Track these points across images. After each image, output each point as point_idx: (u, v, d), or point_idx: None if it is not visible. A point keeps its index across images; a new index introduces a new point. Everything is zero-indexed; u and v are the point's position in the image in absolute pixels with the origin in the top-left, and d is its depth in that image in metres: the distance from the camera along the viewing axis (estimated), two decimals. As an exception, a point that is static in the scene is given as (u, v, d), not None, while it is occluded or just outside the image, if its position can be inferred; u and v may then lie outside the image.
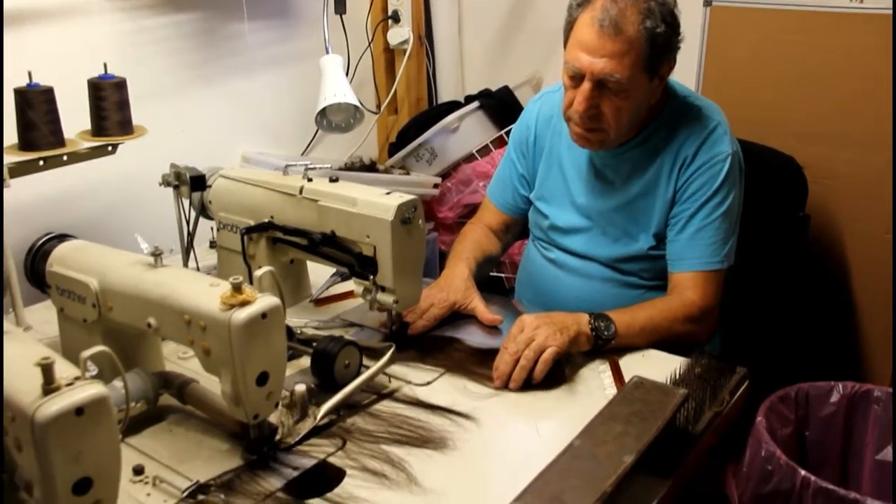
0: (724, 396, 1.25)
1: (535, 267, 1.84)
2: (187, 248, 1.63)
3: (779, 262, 1.88)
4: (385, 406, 1.30)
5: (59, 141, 1.57)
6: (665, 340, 1.49)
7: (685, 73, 2.18)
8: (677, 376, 1.29)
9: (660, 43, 1.47)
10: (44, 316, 1.59)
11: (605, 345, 1.42)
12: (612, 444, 1.03)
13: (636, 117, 1.56)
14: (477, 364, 1.42)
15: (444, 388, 1.36)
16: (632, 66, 1.46)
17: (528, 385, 1.34)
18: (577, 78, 1.50)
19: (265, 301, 1.09)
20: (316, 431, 1.23)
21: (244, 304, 1.07)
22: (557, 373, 1.36)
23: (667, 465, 1.11)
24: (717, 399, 1.24)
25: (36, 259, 1.40)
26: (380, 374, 1.35)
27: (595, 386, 1.36)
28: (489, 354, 1.43)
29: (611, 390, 1.32)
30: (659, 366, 1.38)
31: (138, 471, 1.15)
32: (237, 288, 1.08)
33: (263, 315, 1.08)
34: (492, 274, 2.39)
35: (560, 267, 1.76)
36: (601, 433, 1.05)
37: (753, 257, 1.79)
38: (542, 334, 1.36)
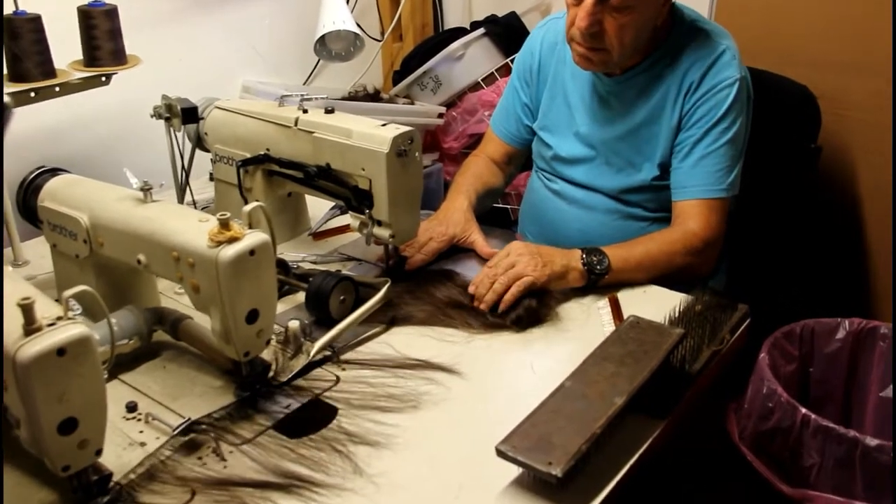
0: (723, 335, 1.22)
1: (538, 198, 1.80)
2: (184, 182, 1.61)
3: (787, 195, 1.83)
4: (366, 372, 1.24)
5: (49, 71, 1.53)
6: (666, 274, 1.47)
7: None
8: (677, 313, 1.27)
9: None
10: (41, 251, 1.58)
11: (598, 279, 1.41)
12: (604, 384, 1.01)
13: (640, 38, 1.50)
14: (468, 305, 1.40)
15: (429, 338, 1.33)
16: None
17: (531, 325, 1.34)
18: None
19: (253, 237, 1.07)
20: (310, 368, 1.23)
21: (232, 240, 1.05)
22: (537, 311, 1.34)
23: (662, 405, 1.09)
24: (716, 337, 1.22)
25: (28, 193, 1.38)
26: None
27: (594, 323, 1.34)
28: None
29: (609, 327, 1.31)
30: (659, 302, 1.36)
31: (131, 408, 1.15)
32: (225, 224, 1.05)
33: (251, 252, 1.06)
34: (496, 205, 2.36)
35: (563, 198, 1.73)
36: (593, 374, 1.04)
37: (761, 189, 1.75)
38: (523, 262, 1.36)
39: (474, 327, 1.33)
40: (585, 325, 1.34)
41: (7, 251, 1.63)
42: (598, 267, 1.40)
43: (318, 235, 1.69)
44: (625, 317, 1.30)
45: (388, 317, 1.36)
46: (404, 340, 1.31)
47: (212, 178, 1.69)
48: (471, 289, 1.38)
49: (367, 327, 1.33)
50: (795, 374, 1.62)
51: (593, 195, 1.67)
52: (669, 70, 1.54)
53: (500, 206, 2.42)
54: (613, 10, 1.42)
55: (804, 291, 1.96)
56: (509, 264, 1.37)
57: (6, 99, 0.54)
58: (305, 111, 1.48)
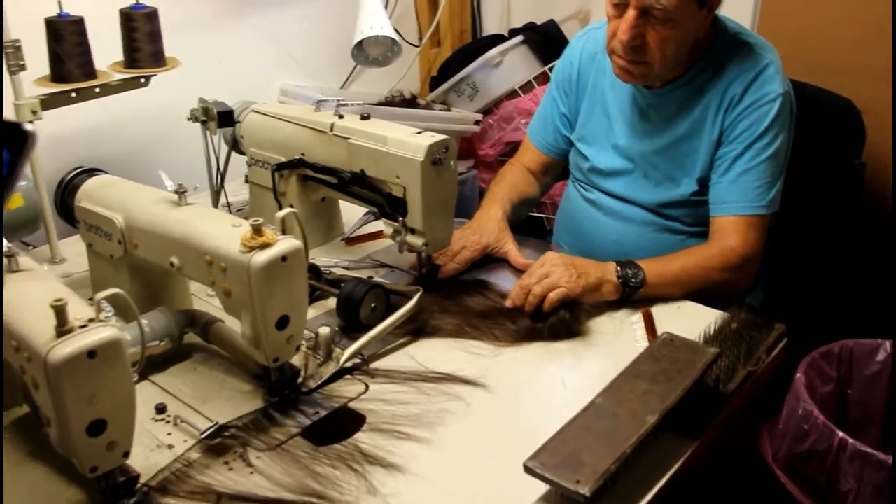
0: (759, 355, 1.20)
1: (574, 208, 1.79)
2: (218, 185, 1.61)
3: (830, 212, 1.79)
4: (391, 386, 1.22)
5: (90, 73, 1.55)
6: (702, 290, 1.44)
7: (740, 7, 2.06)
8: (712, 331, 1.25)
9: None
10: (78, 248, 1.59)
11: (632, 293, 1.39)
12: (636, 403, 1.00)
13: (682, 50, 1.48)
14: (504, 316, 1.38)
15: (456, 350, 1.31)
16: None
17: (565, 336, 1.32)
18: (621, 6, 1.43)
19: (286, 244, 1.06)
20: (340, 375, 1.22)
21: (264, 246, 1.05)
22: (570, 323, 1.33)
23: (695, 424, 1.07)
24: (752, 357, 1.19)
25: (66, 193, 1.39)
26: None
27: (626, 338, 1.31)
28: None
29: (642, 343, 1.28)
30: (695, 319, 1.33)
31: (160, 409, 1.15)
32: (257, 230, 1.05)
33: (283, 258, 1.06)
34: (532, 214, 2.34)
35: (599, 208, 1.71)
36: (625, 391, 1.02)
37: (803, 205, 1.71)
38: (557, 273, 1.35)
39: (502, 340, 1.32)
40: (617, 339, 1.32)
41: (44, 248, 1.65)
42: (633, 280, 1.39)
43: (352, 241, 1.69)
44: (659, 333, 1.28)
45: (415, 327, 1.35)
46: (431, 353, 1.30)
47: (247, 181, 1.70)
48: (508, 303, 1.38)
49: (393, 337, 1.32)
50: (833, 396, 1.58)
51: (630, 207, 1.65)
52: (711, 83, 1.52)
53: (536, 214, 2.40)
54: (656, 22, 1.40)
55: (844, 310, 1.92)
56: (543, 274, 1.36)
57: (29, 127, 0.58)
58: (341, 117, 1.48)
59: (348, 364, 1.24)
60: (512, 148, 2.36)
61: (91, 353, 0.85)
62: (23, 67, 1.48)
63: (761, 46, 1.53)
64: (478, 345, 1.31)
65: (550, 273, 1.35)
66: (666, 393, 1.02)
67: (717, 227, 1.53)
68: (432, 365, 1.26)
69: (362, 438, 1.09)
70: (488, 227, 1.58)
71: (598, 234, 1.71)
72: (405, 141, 1.35)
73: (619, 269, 1.39)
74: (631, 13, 1.40)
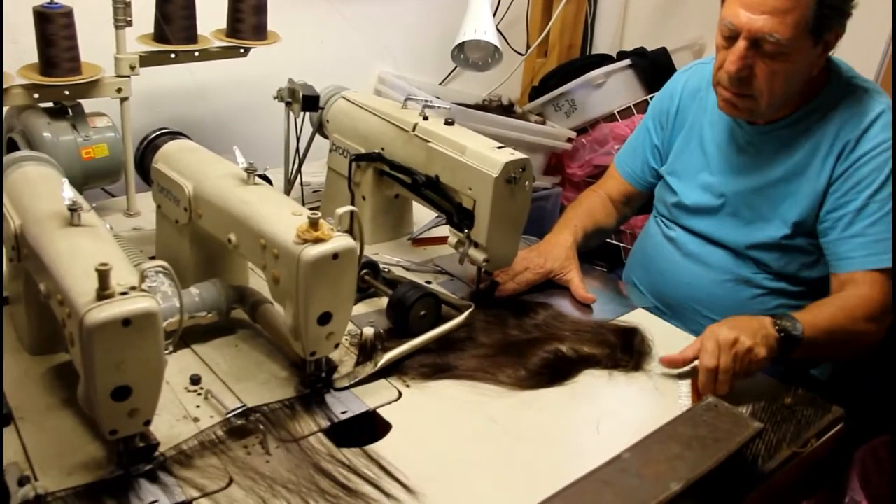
0: (808, 437, 1.13)
1: (651, 244, 1.73)
2: (293, 170, 1.62)
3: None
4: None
5: (192, 37, 1.58)
6: (845, 344, 1.36)
7: (866, 54, 1.95)
8: (763, 402, 1.19)
9: (830, 3, 1.31)
10: (153, 204, 1.63)
11: (792, 347, 1.26)
12: (663, 465, 0.95)
13: (792, 87, 1.41)
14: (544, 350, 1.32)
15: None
16: (795, 25, 1.31)
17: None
18: (731, 38, 1.37)
19: (340, 241, 1.06)
20: (375, 377, 1.21)
21: (318, 241, 1.04)
22: None
23: (725, 499, 1.02)
24: (800, 438, 1.13)
25: (146, 152, 1.43)
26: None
27: (673, 393, 1.26)
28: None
29: (686, 401, 1.22)
30: (747, 385, 1.25)
31: (195, 381, 1.16)
32: (314, 223, 1.05)
33: (335, 255, 1.05)
34: (609, 241, 2.29)
35: (678, 248, 1.64)
36: (655, 451, 0.98)
37: None
38: (744, 340, 1.21)
39: (521, 383, 1.24)
40: (663, 394, 1.25)
41: (122, 199, 1.70)
42: (793, 331, 1.26)
43: (418, 242, 1.68)
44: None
45: (435, 361, 1.28)
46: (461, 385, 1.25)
47: (331, 164, 1.70)
48: (691, 401, 1.22)
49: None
50: (889, 490, 1.49)
51: (711, 250, 1.58)
52: (819, 126, 1.44)
53: (614, 242, 2.35)
54: (766, 55, 1.34)
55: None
56: (730, 342, 1.20)
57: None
58: (426, 118, 1.46)
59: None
60: (601, 171, 2.30)
61: (126, 322, 0.86)
62: (129, 23, 1.51)
63: (876, 92, 1.44)
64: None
65: (737, 339, 1.21)
66: (697, 461, 0.97)
67: (846, 281, 1.41)
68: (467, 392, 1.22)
69: (384, 448, 1.07)
70: (555, 252, 1.54)
71: (672, 275, 1.65)
72: (483, 154, 1.32)
73: (775, 321, 1.26)
74: (741, 44, 1.34)
